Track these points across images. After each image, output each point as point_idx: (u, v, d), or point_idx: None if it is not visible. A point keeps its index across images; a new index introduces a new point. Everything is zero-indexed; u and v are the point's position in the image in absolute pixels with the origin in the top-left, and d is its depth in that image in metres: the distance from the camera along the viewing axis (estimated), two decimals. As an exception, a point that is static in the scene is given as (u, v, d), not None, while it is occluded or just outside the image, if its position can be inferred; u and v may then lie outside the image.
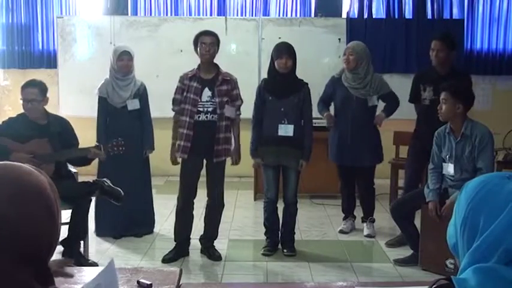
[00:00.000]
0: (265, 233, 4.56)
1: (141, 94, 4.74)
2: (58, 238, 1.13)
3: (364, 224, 5.03)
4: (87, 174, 4.63)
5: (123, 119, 4.66)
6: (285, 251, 4.45)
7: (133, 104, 4.68)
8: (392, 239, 4.72)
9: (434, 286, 1.10)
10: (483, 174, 1.20)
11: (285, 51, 4.28)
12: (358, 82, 4.74)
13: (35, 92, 3.95)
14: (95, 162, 4.38)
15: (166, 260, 4.26)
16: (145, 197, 4.86)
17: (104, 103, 4.67)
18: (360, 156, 4.78)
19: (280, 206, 4.52)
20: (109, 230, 4.76)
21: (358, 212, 5.15)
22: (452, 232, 1.20)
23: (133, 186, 4.60)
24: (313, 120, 4.53)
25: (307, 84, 4.39)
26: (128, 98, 4.66)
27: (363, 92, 4.74)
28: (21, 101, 4.00)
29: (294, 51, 4.31)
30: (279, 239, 4.53)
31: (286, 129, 4.31)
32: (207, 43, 4.16)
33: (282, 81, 4.32)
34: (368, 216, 5.04)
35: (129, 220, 4.71)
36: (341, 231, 5.00)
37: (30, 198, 1.05)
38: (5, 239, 1.00)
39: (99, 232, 4.78)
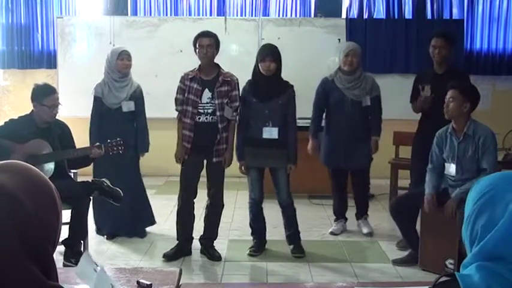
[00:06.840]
0: (252, 234, 4.56)
1: (137, 96, 4.73)
2: (60, 235, 1.15)
3: (360, 222, 5.04)
4: (84, 174, 4.63)
5: (117, 120, 4.63)
6: (294, 251, 4.43)
7: (129, 106, 4.66)
8: (402, 240, 4.60)
9: (438, 282, 1.12)
10: (493, 174, 1.21)
11: (268, 53, 4.25)
12: (354, 83, 4.74)
13: (58, 97, 4.08)
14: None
15: (166, 255, 4.27)
16: (140, 195, 4.86)
17: (98, 103, 4.66)
18: (354, 158, 4.78)
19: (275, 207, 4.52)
20: (108, 229, 4.77)
21: (350, 214, 5.12)
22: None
23: (126, 186, 4.58)
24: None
25: (292, 86, 4.36)
26: (123, 99, 4.65)
27: (357, 93, 4.74)
28: (41, 107, 3.99)
29: (278, 53, 4.27)
30: (266, 239, 4.54)
31: (270, 132, 4.29)
32: (204, 45, 4.15)
33: (266, 84, 4.29)
34: (363, 214, 5.04)
35: (128, 219, 4.71)
36: (331, 233, 4.97)
37: (43, 192, 1.09)
38: (22, 231, 1.01)
39: (102, 231, 4.79)
